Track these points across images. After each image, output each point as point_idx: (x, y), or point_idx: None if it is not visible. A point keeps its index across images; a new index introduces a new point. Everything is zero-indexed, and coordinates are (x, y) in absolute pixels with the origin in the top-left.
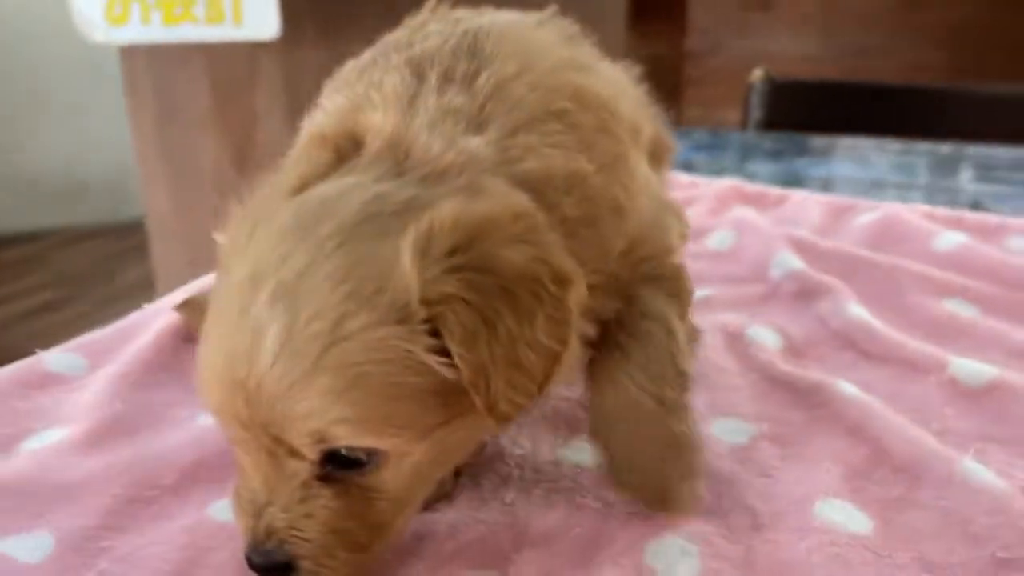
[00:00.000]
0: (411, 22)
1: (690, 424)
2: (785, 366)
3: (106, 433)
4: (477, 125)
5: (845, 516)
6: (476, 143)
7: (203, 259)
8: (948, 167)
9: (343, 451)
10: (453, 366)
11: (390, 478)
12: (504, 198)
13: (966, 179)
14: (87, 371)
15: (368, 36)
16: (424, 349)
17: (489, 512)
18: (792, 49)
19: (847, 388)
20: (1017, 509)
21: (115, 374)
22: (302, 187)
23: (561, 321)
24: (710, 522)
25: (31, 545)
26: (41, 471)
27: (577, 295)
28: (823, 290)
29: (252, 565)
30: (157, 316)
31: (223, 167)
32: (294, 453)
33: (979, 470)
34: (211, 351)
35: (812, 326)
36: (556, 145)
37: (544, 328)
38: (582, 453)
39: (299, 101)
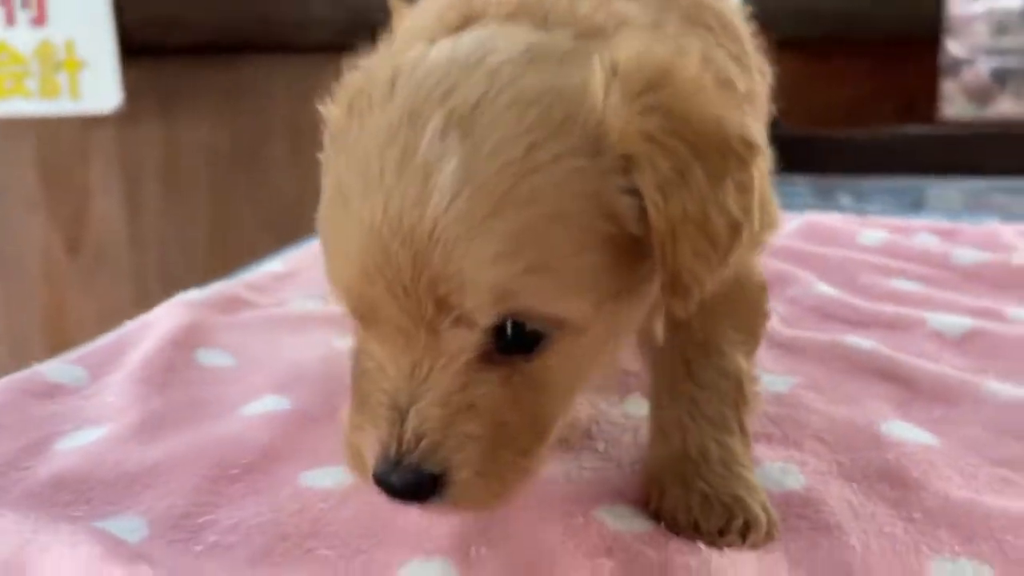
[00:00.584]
0: None
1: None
2: (789, 332)
3: (157, 427)
4: None
5: (910, 433)
6: (629, 7)
7: (30, 356)
8: (827, 193)
9: (512, 326)
10: (640, 219)
11: (558, 364)
12: (680, 50)
13: (846, 201)
14: (89, 381)
15: (209, 113)
16: (616, 190)
17: (589, 460)
18: None
19: (863, 342)
20: None
21: (132, 378)
22: (434, 40)
23: (747, 189)
24: (788, 449)
25: (126, 527)
26: (97, 464)
27: (763, 165)
28: (786, 277)
29: (390, 487)
30: (144, 329)
31: (53, 252)
32: (462, 321)
33: (1003, 389)
34: (358, 206)
35: (788, 308)
36: (712, 50)
37: (732, 193)
38: (643, 408)
39: (137, 178)
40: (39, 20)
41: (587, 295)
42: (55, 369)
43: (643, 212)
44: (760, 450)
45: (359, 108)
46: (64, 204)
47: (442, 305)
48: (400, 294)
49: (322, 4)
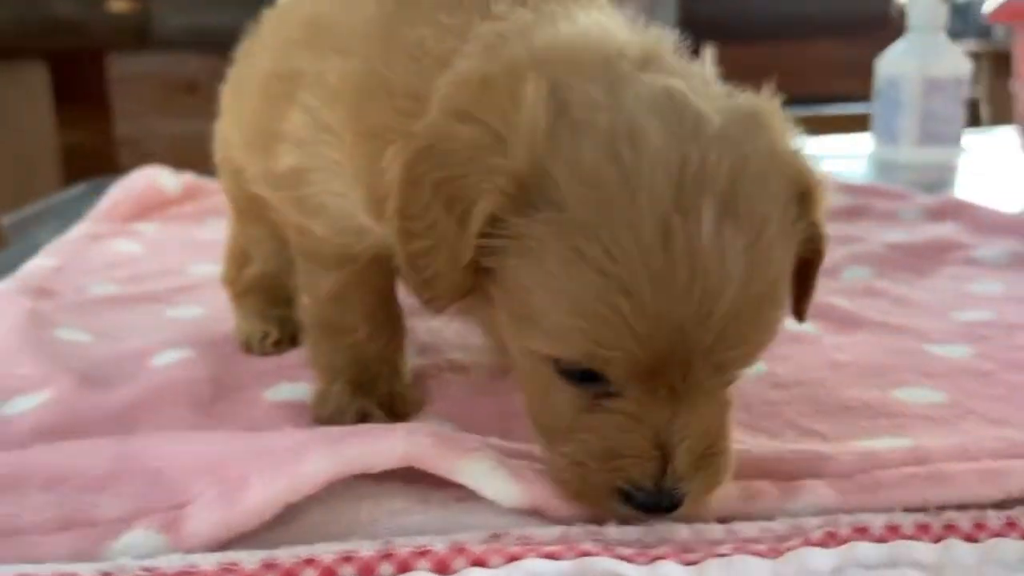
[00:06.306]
0: None
1: None
2: None
3: (99, 384)
4: None
5: None
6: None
7: None
8: None
9: None
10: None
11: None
12: None
13: None
14: None
15: None
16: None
17: None
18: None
19: None
20: None
21: (23, 355)
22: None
23: None
24: None
25: None
26: (72, 415)
27: None
28: None
29: (659, 509)
30: None
31: None
32: (730, 378)
33: None
34: (650, 296)
35: None
36: None
37: None
38: None
39: None
40: None
41: None
42: None
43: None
44: None
45: (567, 193)
46: None
47: (720, 368)
48: (686, 362)
49: None
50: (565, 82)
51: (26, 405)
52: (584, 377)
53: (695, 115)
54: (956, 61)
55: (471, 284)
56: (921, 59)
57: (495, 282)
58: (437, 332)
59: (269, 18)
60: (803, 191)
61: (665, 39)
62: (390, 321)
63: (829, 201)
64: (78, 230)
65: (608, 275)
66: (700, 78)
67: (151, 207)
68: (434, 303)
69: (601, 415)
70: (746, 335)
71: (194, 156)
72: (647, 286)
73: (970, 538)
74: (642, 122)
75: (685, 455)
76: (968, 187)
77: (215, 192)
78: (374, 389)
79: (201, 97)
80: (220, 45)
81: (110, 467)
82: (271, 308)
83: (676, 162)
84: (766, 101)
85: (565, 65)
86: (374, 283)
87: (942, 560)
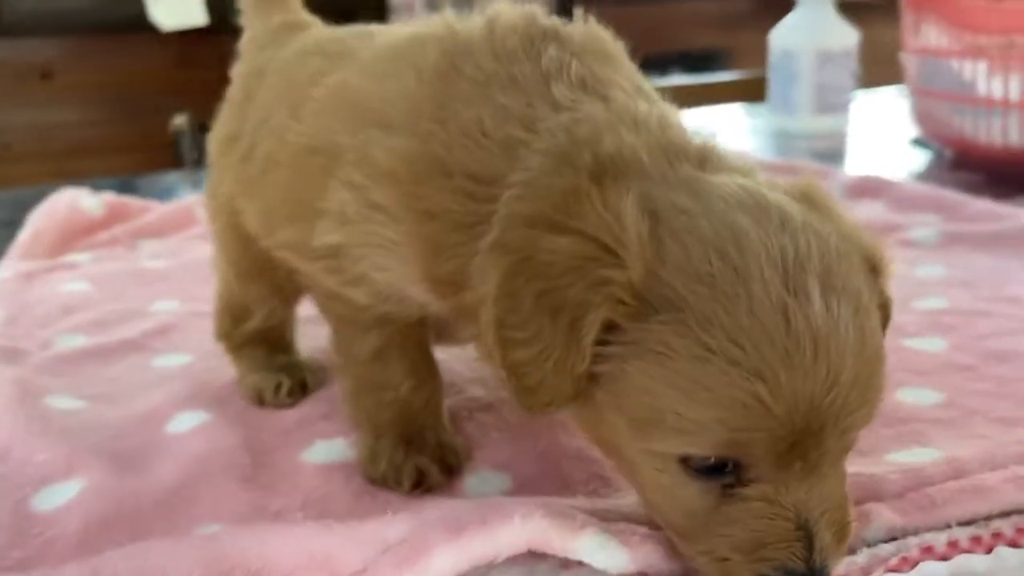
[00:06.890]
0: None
1: None
2: None
3: (126, 469)
4: None
5: None
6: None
7: None
8: None
9: None
10: None
11: None
12: None
13: None
14: None
15: None
16: None
17: None
18: (77, 116)
19: None
20: None
21: (30, 438)
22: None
23: None
24: None
25: None
26: (119, 502)
27: None
28: None
29: None
30: None
31: None
32: (845, 449)
33: None
34: (785, 379)
35: None
36: None
37: None
38: None
39: None
40: None
41: None
42: None
43: None
44: None
45: (690, 273)
46: None
47: (846, 432)
48: (820, 432)
49: None
50: (648, 192)
51: (60, 498)
52: (712, 470)
53: (777, 208)
54: (845, 33)
55: (577, 390)
56: (813, 32)
57: (603, 387)
58: (448, 367)
59: (268, 72)
60: (873, 265)
61: (712, 139)
62: (430, 371)
63: (893, 271)
64: (6, 269)
65: (739, 363)
66: (753, 172)
67: (76, 233)
68: (537, 409)
69: (736, 505)
70: (866, 396)
71: (51, 145)
72: (779, 366)
73: (1013, 543)
74: (738, 222)
75: (827, 530)
76: (861, 154)
77: (139, 210)
78: (424, 442)
79: (57, 84)
80: (75, 29)
81: (205, 571)
82: (275, 357)
83: (776, 251)
84: (806, 181)
85: (639, 171)
86: (414, 339)
87: (993, 567)
